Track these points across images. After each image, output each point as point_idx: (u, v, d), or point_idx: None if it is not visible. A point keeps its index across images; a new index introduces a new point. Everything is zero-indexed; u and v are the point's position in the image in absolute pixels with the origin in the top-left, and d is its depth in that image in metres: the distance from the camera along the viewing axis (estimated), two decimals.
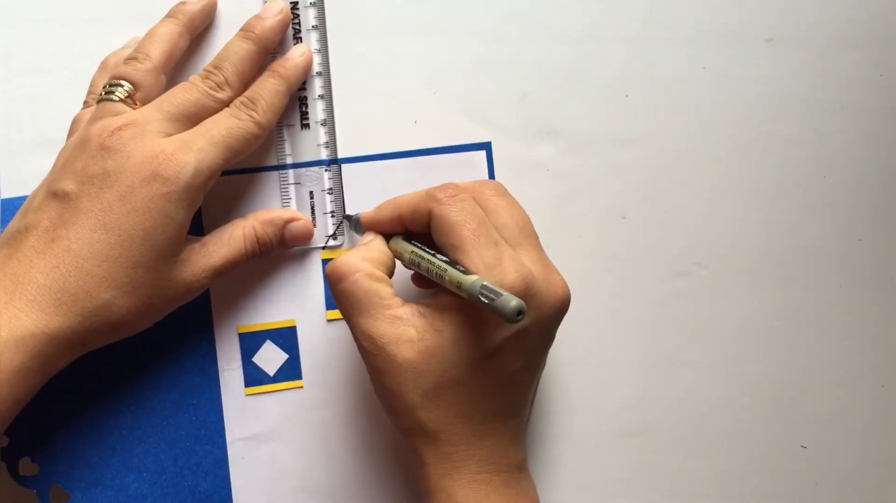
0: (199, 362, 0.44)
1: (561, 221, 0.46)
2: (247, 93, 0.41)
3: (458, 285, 0.36)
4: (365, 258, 0.39)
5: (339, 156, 0.45)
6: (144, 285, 0.38)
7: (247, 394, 0.44)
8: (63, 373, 0.39)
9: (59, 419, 0.43)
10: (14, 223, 0.39)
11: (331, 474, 0.45)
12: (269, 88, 0.41)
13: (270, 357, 0.45)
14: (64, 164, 0.39)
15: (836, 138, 0.47)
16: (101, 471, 0.43)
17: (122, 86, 0.40)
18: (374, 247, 0.40)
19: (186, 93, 0.40)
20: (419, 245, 0.40)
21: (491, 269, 0.37)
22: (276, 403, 0.45)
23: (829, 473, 0.47)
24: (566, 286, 0.39)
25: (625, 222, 0.46)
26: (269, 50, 0.43)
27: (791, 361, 0.47)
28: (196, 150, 0.38)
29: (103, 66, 0.43)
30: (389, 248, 0.41)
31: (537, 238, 0.40)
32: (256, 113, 0.40)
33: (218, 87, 0.41)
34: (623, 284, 0.46)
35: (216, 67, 0.41)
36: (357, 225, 0.43)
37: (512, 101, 0.45)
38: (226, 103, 0.41)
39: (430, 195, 0.39)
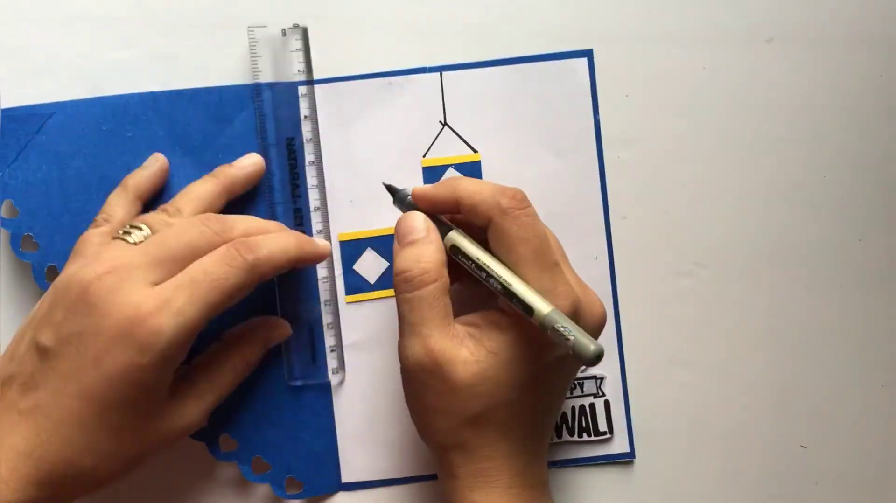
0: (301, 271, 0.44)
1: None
2: (247, 238, 0.38)
3: (531, 312, 0.35)
4: (442, 263, 0.38)
5: (444, 62, 0.45)
6: (129, 448, 0.37)
7: (347, 302, 0.45)
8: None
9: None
10: (2, 363, 0.38)
11: None
12: (272, 240, 0.39)
13: (371, 265, 0.45)
14: (49, 309, 0.37)
15: (836, 138, 0.47)
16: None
17: (141, 230, 0.38)
18: (438, 245, 0.38)
19: (176, 236, 0.38)
20: (485, 250, 0.38)
21: (547, 294, 0.36)
22: (377, 312, 0.45)
23: (829, 473, 0.47)
24: (603, 305, 0.40)
25: (625, 222, 0.46)
26: (232, 194, 0.42)
27: (791, 361, 0.47)
28: (174, 313, 0.35)
29: (123, 186, 0.42)
30: (444, 243, 0.39)
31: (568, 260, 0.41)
32: (255, 258, 0.37)
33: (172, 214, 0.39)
34: (623, 284, 0.46)
35: (176, 201, 0.40)
36: (404, 201, 0.41)
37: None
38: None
39: (495, 202, 0.37)
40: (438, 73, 0.45)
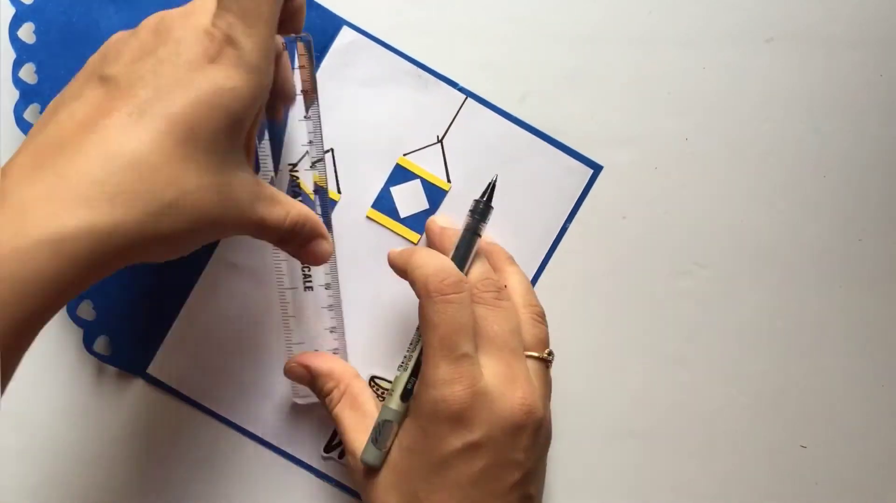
0: None
1: None
2: None
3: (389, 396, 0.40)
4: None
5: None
6: (210, 196, 0.33)
7: None
8: None
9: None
10: (47, 115, 0.33)
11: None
12: None
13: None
14: (116, 43, 0.34)
15: (836, 138, 0.47)
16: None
17: None
18: None
19: None
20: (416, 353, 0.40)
21: (442, 383, 0.37)
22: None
23: (829, 473, 0.47)
24: (525, 404, 0.38)
25: (625, 222, 0.46)
26: None
27: (791, 361, 0.47)
28: (247, 33, 0.33)
29: None
30: None
31: (518, 349, 0.39)
32: None
33: None
34: (623, 284, 0.46)
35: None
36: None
37: (512, 101, 0.45)
38: None
39: (424, 283, 0.38)
40: (464, 96, 0.45)
